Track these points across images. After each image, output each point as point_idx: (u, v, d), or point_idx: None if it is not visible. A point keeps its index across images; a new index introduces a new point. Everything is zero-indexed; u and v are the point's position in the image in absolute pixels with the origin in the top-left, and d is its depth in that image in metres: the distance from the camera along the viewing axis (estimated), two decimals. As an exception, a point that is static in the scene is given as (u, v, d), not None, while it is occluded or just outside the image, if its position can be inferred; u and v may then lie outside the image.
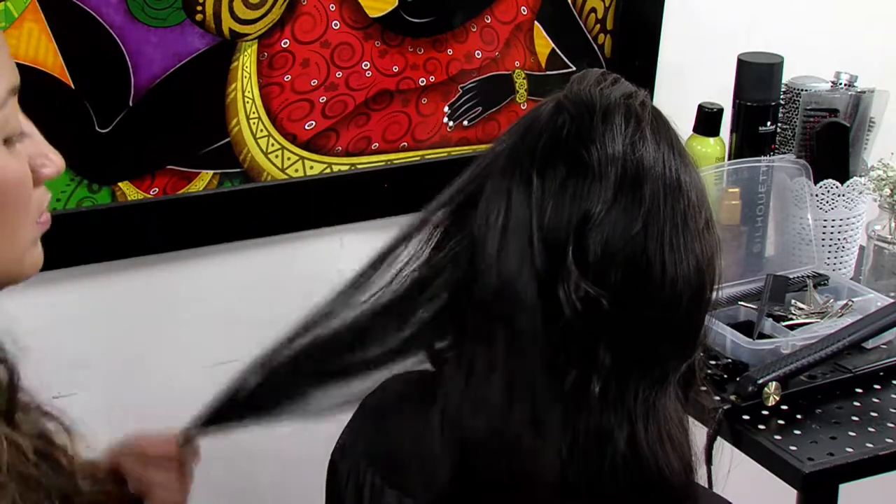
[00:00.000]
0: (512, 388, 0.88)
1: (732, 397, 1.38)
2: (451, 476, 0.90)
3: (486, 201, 0.90)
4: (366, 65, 1.62)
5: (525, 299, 0.86)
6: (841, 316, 1.56)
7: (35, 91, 1.42)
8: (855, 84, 1.70)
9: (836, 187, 1.65)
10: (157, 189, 1.54)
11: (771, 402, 1.37)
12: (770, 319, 1.54)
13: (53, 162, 0.94)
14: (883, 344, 1.53)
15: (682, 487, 0.90)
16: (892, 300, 1.56)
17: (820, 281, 1.64)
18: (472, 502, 0.91)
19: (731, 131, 1.71)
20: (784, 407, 1.39)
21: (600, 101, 0.90)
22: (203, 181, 1.56)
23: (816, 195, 1.66)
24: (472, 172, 0.94)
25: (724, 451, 1.32)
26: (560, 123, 0.89)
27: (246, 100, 1.56)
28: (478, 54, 1.70)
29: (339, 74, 1.61)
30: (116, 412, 1.49)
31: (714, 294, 0.92)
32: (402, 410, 1.04)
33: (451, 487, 0.91)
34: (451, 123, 1.71)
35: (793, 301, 1.59)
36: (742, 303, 1.58)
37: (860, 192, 1.67)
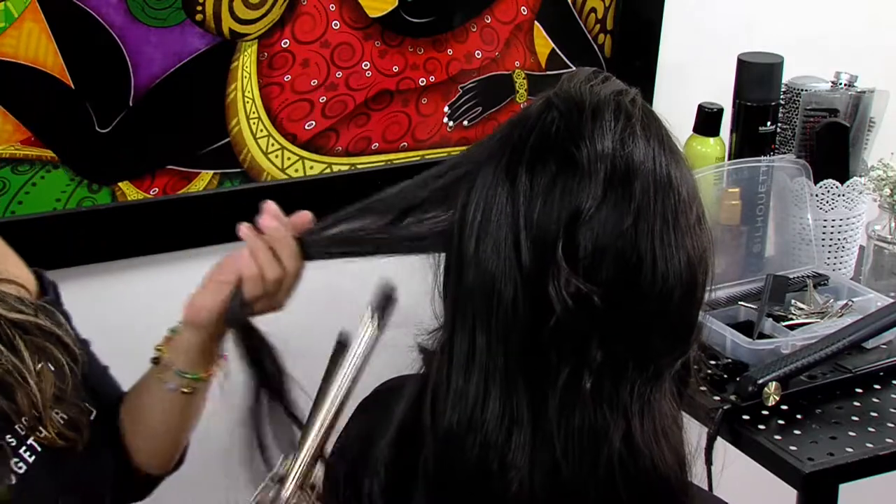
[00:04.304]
0: (488, 382, 0.88)
1: (732, 397, 1.38)
2: (433, 469, 0.90)
3: (470, 196, 0.90)
4: (366, 65, 1.62)
5: (505, 296, 0.86)
6: (841, 316, 1.56)
7: (35, 91, 1.43)
8: (855, 84, 1.70)
9: (836, 187, 1.65)
10: (157, 189, 1.54)
11: (771, 402, 1.37)
12: (770, 319, 1.54)
13: None
14: (883, 344, 1.53)
15: (677, 485, 0.90)
16: (892, 300, 1.56)
17: (820, 281, 1.64)
18: (456, 497, 0.91)
19: (731, 131, 1.71)
20: (784, 407, 1.40)
21: (590, 98, 0.89)
22: (203, 181, 1.56)
23: (816, 195, 1.66)
24: (459, 158, 0.94)
25: (720, 450, 1.32)
26: (549, 120, 0.89)
27: (246, 100, 1.56)
28: (478, 54, 1.70)
29: (339, 74, 1.61)
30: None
31: (707, 290, 0.91)
32: (398, 411, 1.04)
33: (435, 481, 0.91)
34: (451, 123, 1.71)
35: (793, 301, 1.59)
36: (742, 303, 1.58)
37: (860, 192, 1.66)
